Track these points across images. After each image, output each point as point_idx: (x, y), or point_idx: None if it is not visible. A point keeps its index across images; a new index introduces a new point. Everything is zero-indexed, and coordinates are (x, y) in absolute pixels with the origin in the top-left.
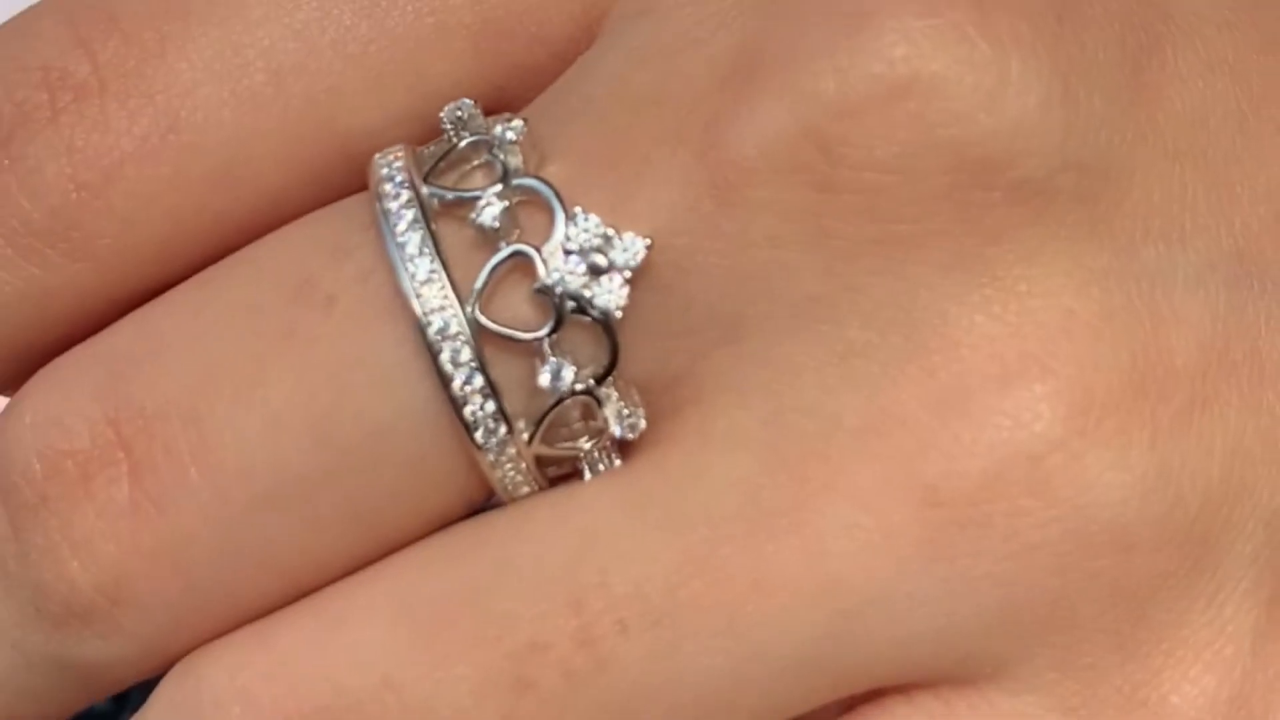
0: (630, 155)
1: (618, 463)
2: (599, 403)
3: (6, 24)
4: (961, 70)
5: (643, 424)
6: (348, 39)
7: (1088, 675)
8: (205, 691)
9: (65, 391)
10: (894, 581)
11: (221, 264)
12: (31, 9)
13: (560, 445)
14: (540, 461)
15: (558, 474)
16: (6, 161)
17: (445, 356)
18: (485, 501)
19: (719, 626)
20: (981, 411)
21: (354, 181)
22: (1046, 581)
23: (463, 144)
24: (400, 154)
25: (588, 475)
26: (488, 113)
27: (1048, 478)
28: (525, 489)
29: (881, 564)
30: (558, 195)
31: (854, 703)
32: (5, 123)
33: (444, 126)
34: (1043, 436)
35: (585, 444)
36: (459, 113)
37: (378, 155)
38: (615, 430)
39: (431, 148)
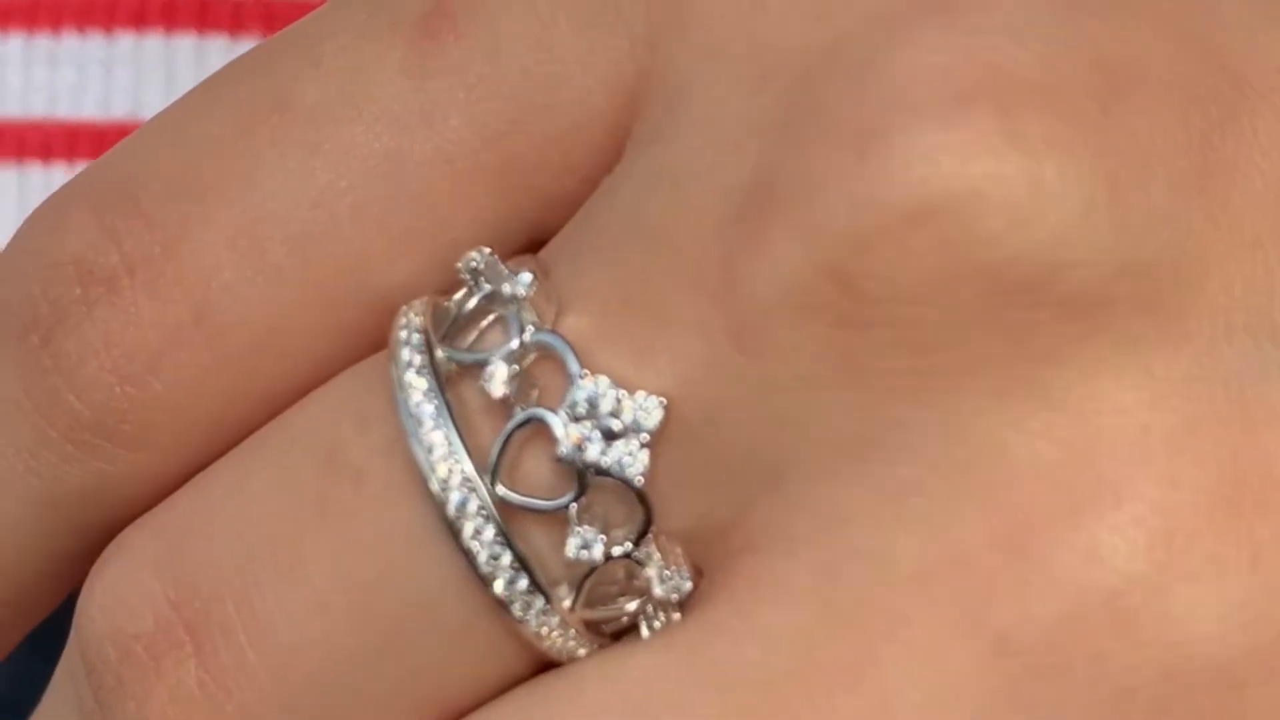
0: (648, 302)
1: (676, 616)
2: (639, 563)
3: (36, 212)
4: (988, 186)
5: (687, 585)
6: (366, 202)
7: None
8: None
9: (129, 569)
10: None
11: (263, 430)
12: (59, 195)
13: (609, 606)
14: (590, 625)
15: (617, 628)
16: (49, 361)
17: (467, 534)
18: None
19: None
20: (1051, 548)
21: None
22: None
23: (477, 299)
24: (420, 311)
25: (645, 631)
26: (523, 248)
27: (1131, 616)
28: (581, 650)
29: None
30: (573, 351)
31: None
32: (44, 322)
33: (462, 277)
34: (1121, 572)
35: (634, 605)
36: (474, 263)
37: (399, 314)
38: (658, 592)
39: (457, 297)
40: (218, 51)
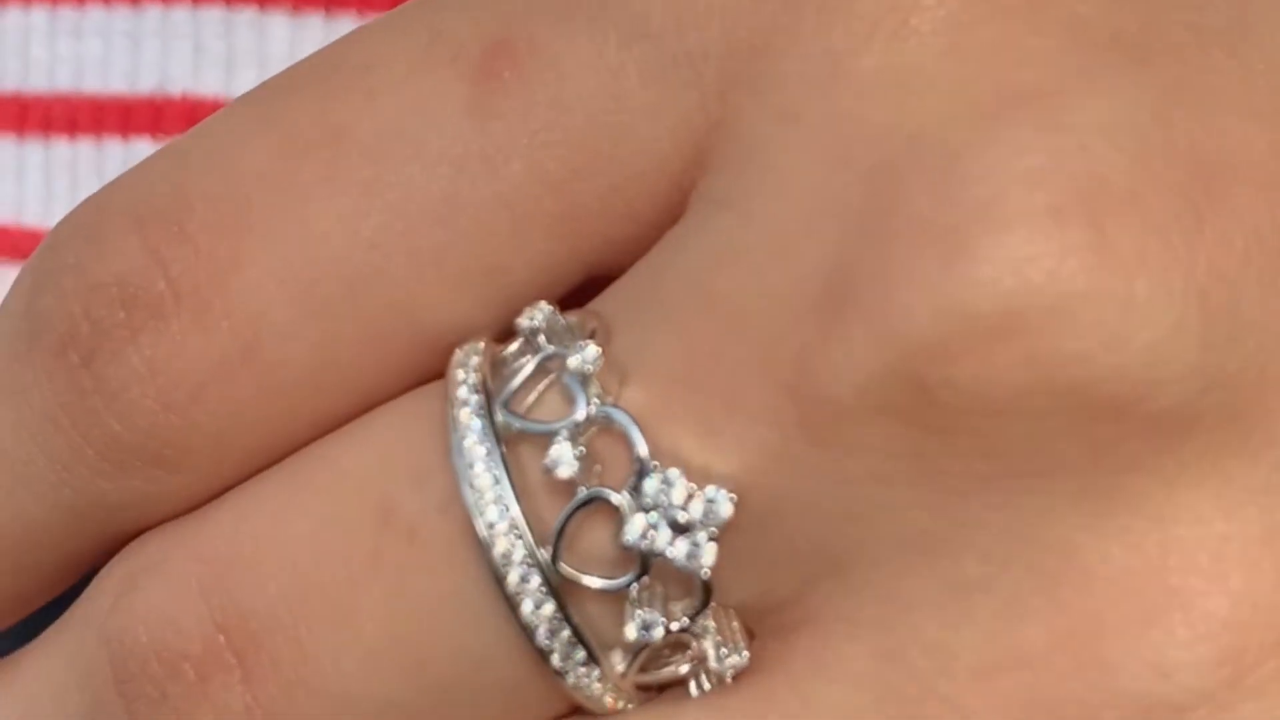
0: (716, 383)
1: (728, 680)
2: (695, 635)
3: (73, 219)
4: (1078, 304)
5: (744, 662)
6: (422, 246)
7: None
8: None
9: (175, 590)
10: None
11: (307, 459)
12: (98, 205)
13: (661, 669)
14: (640, 686)
15: (663, 683)
16: (90, 383)
17: (527, 610)
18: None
19: None
20: (1119, 657)
21: (444, 365)
22: None
23: (536, 360)
24: (477, 368)
25: (694, 689)
26: (578, 287)
27: None
28: (629, 706)
29: None
30: (640, 431)
31: None
32: (85, 342)
33: (521, 333)
34: (1189, 689)
35: (686, 668)
36: (534, 321)
37: (455, 363)
38: (713, 665)
39: (513, 348)
40: (245, 24)
